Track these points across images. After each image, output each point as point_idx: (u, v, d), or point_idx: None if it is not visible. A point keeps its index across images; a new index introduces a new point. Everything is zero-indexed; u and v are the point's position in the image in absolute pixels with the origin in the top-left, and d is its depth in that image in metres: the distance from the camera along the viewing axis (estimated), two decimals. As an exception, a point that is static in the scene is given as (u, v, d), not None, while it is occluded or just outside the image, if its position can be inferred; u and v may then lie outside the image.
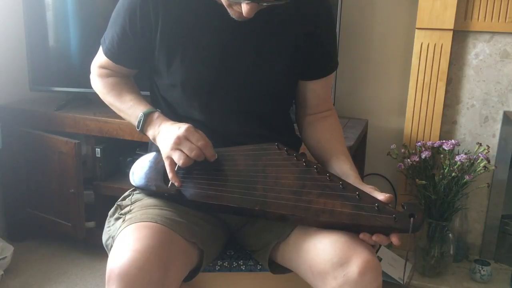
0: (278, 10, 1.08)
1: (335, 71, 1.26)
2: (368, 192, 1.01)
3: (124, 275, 0.92)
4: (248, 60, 1.14)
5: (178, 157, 1.04)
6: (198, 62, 1.13)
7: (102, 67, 1.24)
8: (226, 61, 1.13)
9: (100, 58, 1.24)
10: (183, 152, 1.04)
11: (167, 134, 1.07)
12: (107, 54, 1.20)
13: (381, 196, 1.00)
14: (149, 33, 1.13)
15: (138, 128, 1.14)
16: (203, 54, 1.12)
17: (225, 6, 1.03)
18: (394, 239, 0.96)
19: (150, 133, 1.13)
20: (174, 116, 1.19)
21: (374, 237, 0.97)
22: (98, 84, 1.25)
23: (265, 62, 1.15)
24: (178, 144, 1.04)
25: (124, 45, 1.16)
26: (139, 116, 1.14)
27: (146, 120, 1.13)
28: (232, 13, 1.04)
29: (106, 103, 1.24)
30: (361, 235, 0.97)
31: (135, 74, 1.27)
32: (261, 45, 1.14)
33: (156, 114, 1.14)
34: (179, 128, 1.05)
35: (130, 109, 1.18)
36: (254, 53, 1.14)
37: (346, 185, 1.03)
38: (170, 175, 1.07)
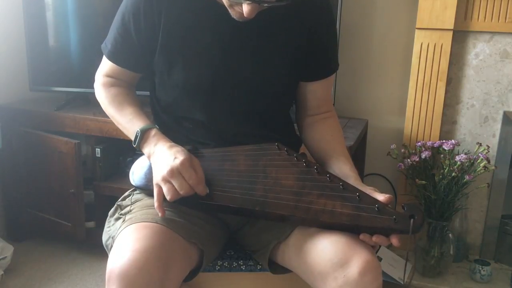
0: (278, 11, 1.08)
1: (335, 72, 1.26)
2: (368, 193, 1.02)
3: (124, 275, 0.92)
4: (248, 61, 1.14)
5: (167, 191, 1.03)
6: (198, 62, 1.13)
7: (106, 75, 1.23)
8: (227, 62, 1.13)
9: (103, 66, 1.23)
10: (174, 186, 1.02)
11: (162, 160, 1.05)
12: (110, 57, 1.19)
13: (381, 197, 1.00)
14: (151, 33, 1.13)
15: (134, 144, 1.13)
16: (204, 55, 1.12)
17: (226, 6, 1.03)
18: (394, 240, 0.96)
19: (146, 151, 1.12)
20: (174, 116, 1.19)
21: (374, 238, 0.97)
22: (101, 94, 1.23)
23: (265, 62, 1.15)
24: (170, 177, 1.02)
25: (126, 45, 1.16)
26: (135, 132, 1.12)
27: (143, 137, 1.12)
28: (233, 13, 1.04)
29: (107, 114, 1.23)
30: (361, 236, 0.97)
31: (137, 81, 1.26)
32: (262, 46, 1.14)
33: (153, 132, 1.12)
34: (175, 159, 1.03)
35: (128, 123, 1.16)
36: (254, 53, 1.14)
37: (346, 186, 1.03)
38: (155, 204, 1.04)
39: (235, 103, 1.16)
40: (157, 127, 1.14)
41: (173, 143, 1.09)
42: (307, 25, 1.15)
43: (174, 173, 1.02)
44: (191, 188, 1.03)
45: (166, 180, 1.02)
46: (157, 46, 1.13)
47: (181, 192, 1.02)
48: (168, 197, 1.03)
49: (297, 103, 1.28)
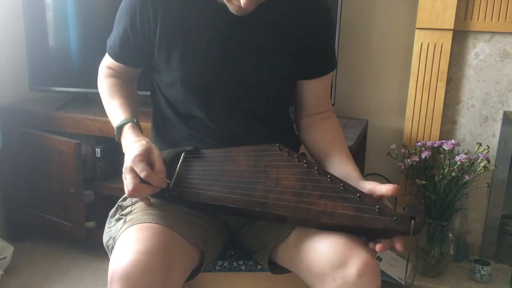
0: (277, 9, 1.08)
1: (333, 71, 1.26)
2: (371, 187, 1.02)
3: (126, 277, 0.92)
4: (246, 58, 1.14)
5: (125, 187, 1.04)
6: (197, 59, 1.13)
7: (108, 67, 1.26)
8: (225, 59, 1.13)
9: (106, 58, 1.26)
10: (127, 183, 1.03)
11: (125, 157, 1.06)
12: (110, 53, 1.22)
13: (384, 189, 0.99)
14: (148, 33, 1.14)
15: (116, 139, 1.15)
16: (202, 52, 1.13)
17: (224, 0, 1.03)
18: (398, 245, 0.96)
19: (123, 146, 1.13)
20: (176, 114, 1.19)
21: (377, 248, 0.96)
22: (101, 84, 1.26)
23: (263, 60, 1.15)
24: (125, 174, 1.03)
25: (124, 44, 1.18)
26: (115, 128, 1.15)
27: (120, 132, 1.14)
28: (231, 7, 1.04)
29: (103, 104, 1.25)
30: (370, 245, 0.97)
31: (138, 74, 1.28)
32: (260, 43, 1.14)
33: (126, 127, 1.13)
34: (128, 156, 1.03)
35: (114, 116, 1.18)
36: (253, 51, 1.14)
37: (347, 187, 1.03)
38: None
39: (233, 101, 1.17)
40: (135, 120, 1.15)
41: (139, 138, 1.09)
42: (305, 22, 1.15)
43: (127, 169, 1.02)
44: (140, 183, 1.01)
45: (124, 177, 1.04)
46: (155, 44, 1.14)
47: (129, 188, 1.01)
48: (126, 193, 1.03)
49: (295, 103, 1.28)
